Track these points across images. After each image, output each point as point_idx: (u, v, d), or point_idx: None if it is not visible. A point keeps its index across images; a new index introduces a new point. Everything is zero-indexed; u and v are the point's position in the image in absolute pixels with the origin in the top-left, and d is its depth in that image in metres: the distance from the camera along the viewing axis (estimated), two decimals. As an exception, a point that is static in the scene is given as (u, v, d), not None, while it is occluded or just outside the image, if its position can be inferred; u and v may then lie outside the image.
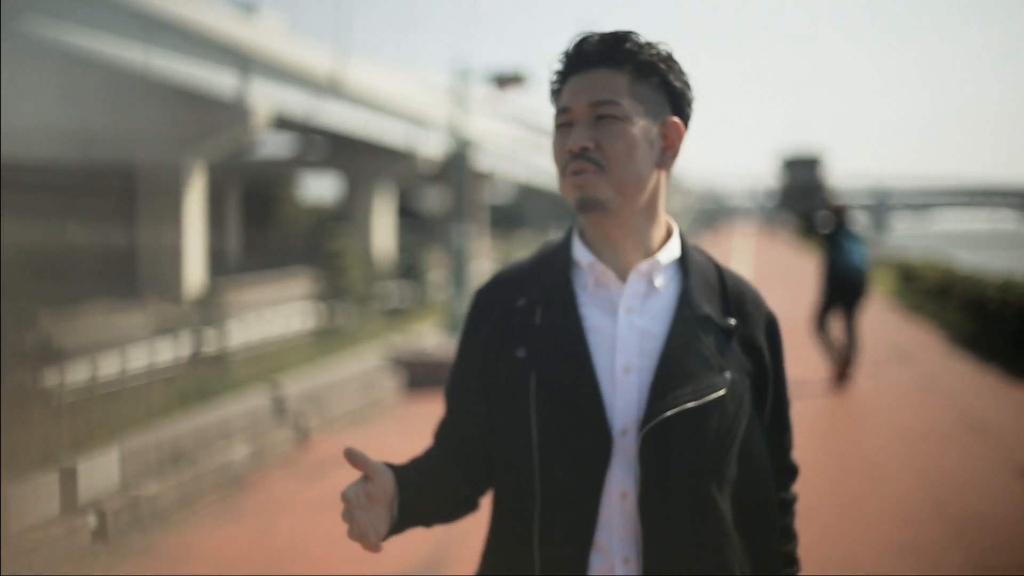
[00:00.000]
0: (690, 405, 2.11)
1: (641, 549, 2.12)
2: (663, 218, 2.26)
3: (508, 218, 54.38)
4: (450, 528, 7.09)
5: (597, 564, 2.13)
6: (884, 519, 7.56)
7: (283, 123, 28.34)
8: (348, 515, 2.07)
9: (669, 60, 2.21)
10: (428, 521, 2.27)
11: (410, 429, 10.58)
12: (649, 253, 2.23)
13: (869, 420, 11.25)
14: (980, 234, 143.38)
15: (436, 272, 23.99)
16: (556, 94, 2.24)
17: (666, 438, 2.10)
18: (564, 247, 2.29)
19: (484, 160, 27.37)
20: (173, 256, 26.72)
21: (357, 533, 2.07)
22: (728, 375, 2.18)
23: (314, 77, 27.43)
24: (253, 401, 9.20)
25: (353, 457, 2.09)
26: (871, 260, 15.36)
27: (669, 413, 2.10)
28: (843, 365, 12.90)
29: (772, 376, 2.31)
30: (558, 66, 2.23)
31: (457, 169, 15.26)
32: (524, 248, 36.18)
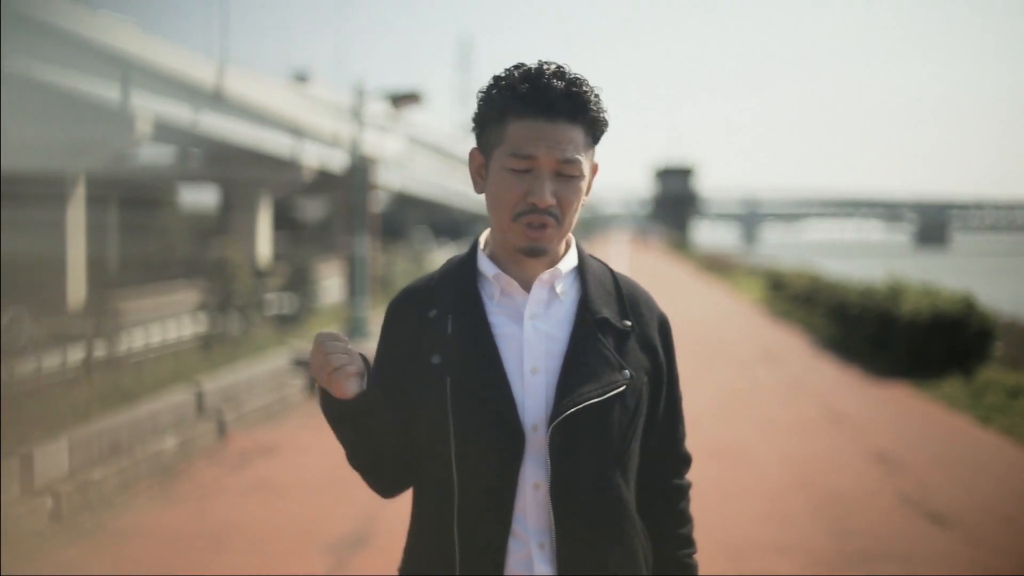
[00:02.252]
0: (594, 400, 2.27)
1: (554, 535, 2.27)
2: None
3: (387, 227, 54.65)
4: (376, 502, 8.07)
5: (515, 550, 2.28)
6: (752, 494, 8.53)
7: (166, 132, 28.44)
8: (328, 354, 2.20)
9: (605, 112, 2.36)
10: (377, 437, 2.34)
11: (317, 425, 11.21)
12: (550, 264, 2.39)
13: (739, 413, 12.21)
14: (848, 244, 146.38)
15: (328, 281, 24.45)
16: (498, 119, 2.32)
17: (573, 432, 2.26)
18: (470, 260, 2.44)
19: (378, 173, 27.99)
20: (57, 267, 26.59)
21: (337, 364, 2.19)
22: (627, 372, 2.34)
23: (198, 87, 27.64)
24: (177, 398, 9.87)
25: (325, 335, 2.22)
26: None
27: (575, 408, 2.25)
28: None
29: (666, 372, 2.48)
30: (512, 98, 2.30)
31: (358, 183, 15.94)
32: (405, 257, 36.73)
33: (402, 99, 16.15)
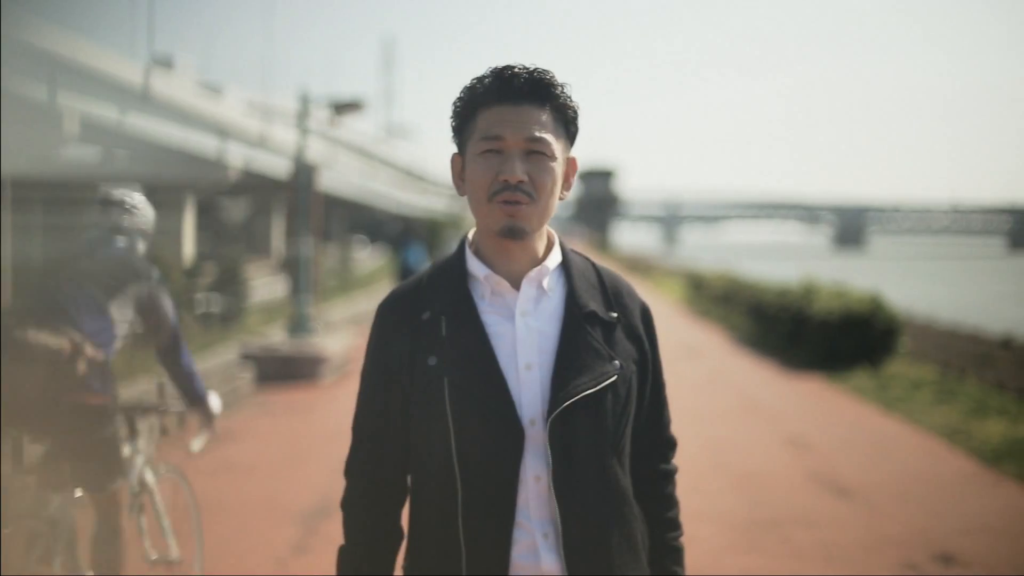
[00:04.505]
0: (588, 392, 2.33)
1: (559, 524, 2.32)
2: (546, 231, 2.49)
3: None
4: (335, 478, 8.79)
5: (520, 540, 2.33)
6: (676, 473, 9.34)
7: (93, 132, 28.47)
8: None
9: (572, 100, 2.43)
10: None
11: (269, 413, 12.11)
12: (536, 262, 2.44)
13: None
14: (767, 245, 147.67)
15: (257, 280, 24.82)
16: (469, 116, 2.41)
17: (570, 424, 2.32)
18: (458, 261, 2.48)
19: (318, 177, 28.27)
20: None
21: None
22: (617, 363, 2.40)
23: (125, 87, 27.80)
24: (140, 388, 10.48)
25: None
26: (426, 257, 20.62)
27: (571, 401, 2.31)
28: None
29: (651, 359, 2.54)
30: (479, 92, 2.39)
31: (302, 187, 16.55)
32: (332, 257, 37.04)
33: (344, 107, 16.77)
